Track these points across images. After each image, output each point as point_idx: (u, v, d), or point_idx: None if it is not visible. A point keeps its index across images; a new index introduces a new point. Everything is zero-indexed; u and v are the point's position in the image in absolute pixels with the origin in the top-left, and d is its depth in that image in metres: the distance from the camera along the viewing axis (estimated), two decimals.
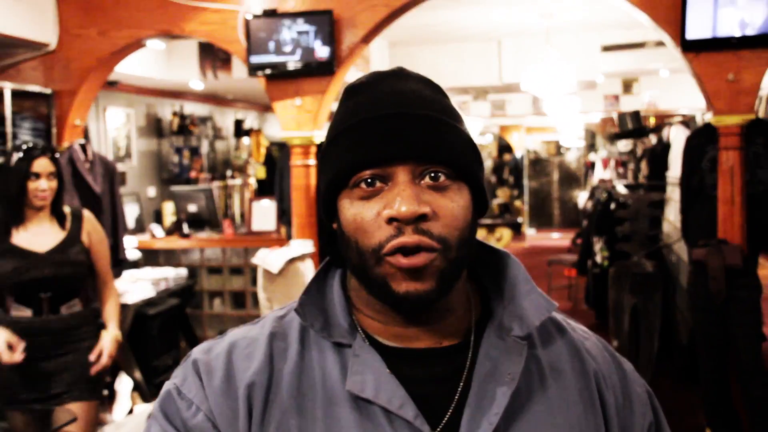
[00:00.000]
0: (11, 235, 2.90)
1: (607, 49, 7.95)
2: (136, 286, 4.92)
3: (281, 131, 4.64)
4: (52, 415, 2.94)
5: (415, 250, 0.82)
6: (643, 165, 6.65)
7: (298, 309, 0.91)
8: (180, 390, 0.90)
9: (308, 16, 4.40)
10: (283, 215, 5.38)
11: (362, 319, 0.92)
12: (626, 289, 5.08)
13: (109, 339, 3.03)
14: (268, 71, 4.48)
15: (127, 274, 5.06)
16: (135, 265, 5.61)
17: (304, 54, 4.42)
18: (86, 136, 5.14)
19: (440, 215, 0.84)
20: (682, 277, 5.17)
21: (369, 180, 0.84)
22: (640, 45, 7.75)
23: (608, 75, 8.86)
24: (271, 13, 4.45)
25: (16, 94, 4.55)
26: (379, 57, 7.70)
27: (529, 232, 14.71)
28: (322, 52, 4.39)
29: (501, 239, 8.66)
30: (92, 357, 2.96)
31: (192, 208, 6.42)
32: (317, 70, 4.44)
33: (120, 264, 4.82)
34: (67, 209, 3.06)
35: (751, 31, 3.87)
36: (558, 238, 14.25)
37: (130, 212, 6.78)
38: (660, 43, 6.72)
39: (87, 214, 3.12)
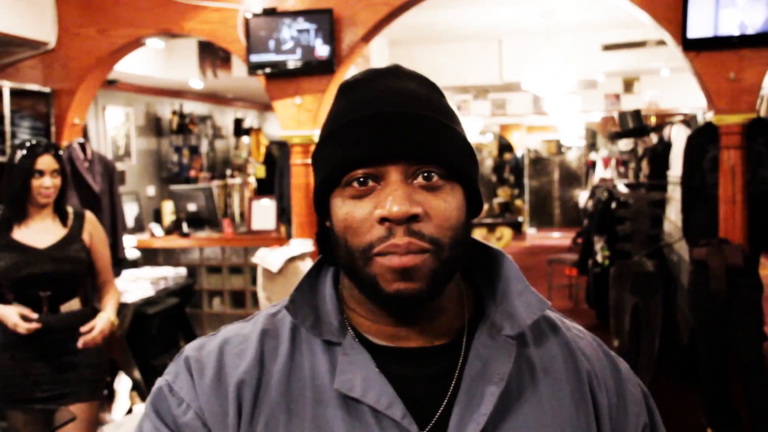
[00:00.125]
0: (12, 231, 2.91)
1: (607, 48, 7.93)
2: (135, 286, 4.91)
3: (281, 130, 4.63)
4: (52, 415, 2.94)
5: (405, 252, 0.81)
6: (644, 164, 6.64)
7: (289, 306, 0.91)
8: (171, 387, 0.89)
9: (308, 14, 4.39)
10: (283, 214, 5.37)
11: (354, 318, 0.91)
12: (627, 288, 5.07)
13: (103, 318, 3.00)
14: (267, 70, 4.47)
15: (127, 273, 5.05)
16: (134, 264, 5.60)
17: (304, 53, 4.40)
18: (85, 135, 5.13)
19: (432, 216, 0.83)
20: (683, 276, 5.16)
21: (361, 179, 0.83)
22: (640, 44, 7.73)
23: (609, 74, 8.85)
24: (271, 12, 4.44)
25: (15, 93, 4.54)
26: (379, 56, 7.68)
27: (530, 231, 14.70)
28: (322, 50, 4.38)
29: (501, 238, 8.65)
30: (84, 329, 2.93)
31: (191, 207, 6.41)
32: (317, 69, 4.43)
33: (119, 263, 4.81)
34: (70, 208, 3.06)
35: (752, 30, 3.86)
36: (558, 238, 14.23)
37: (130, 211, 6.76)
38: (661, 42, 6.71)
39: (89, 214, 3.12)
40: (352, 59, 4.57)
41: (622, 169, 8.48)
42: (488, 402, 0.85)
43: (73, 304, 3.00)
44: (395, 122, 0.83)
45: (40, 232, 2.94)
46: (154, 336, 5.31)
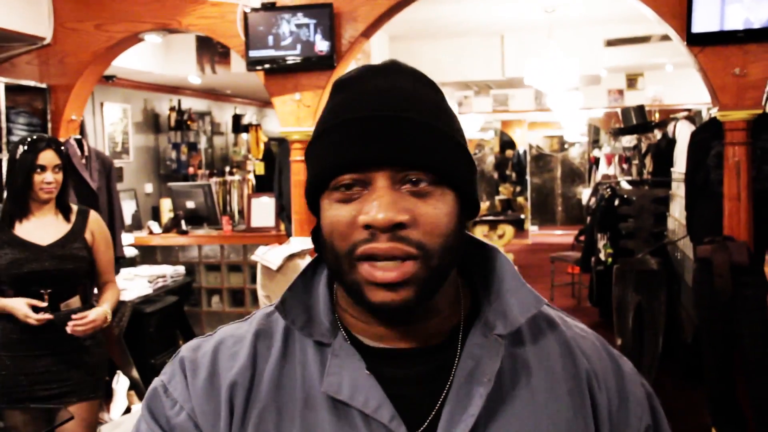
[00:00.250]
0: (14, 227, 2.90)
1: (610, 43, 7.89)
2: (133, 284, 4.88)
3: (280, 127, 4.58)
4: (51, 415, 2.93)
5: (387, 257, 0.80)
6: (648, 161, 6.60)
7: (279, 306, 0.90)
8: (166, 388, 0.90)
9: (308, 9, 4.34)
10: (282, 211, 5.33)
11: (346, 318, 0.90)
12: (630, 286, 5.03)
13: (98, 311, 2.95)
14: (267, 66, 4.42)
15: (124, 271, 5.01)
16: (132, 262, 5.57)
17: (303, 48, 4.35)
18: (82, 131, 5.09)
19: (420, 222, 0.81)
20: (687, 274, 5.13)
21: (348, 184, 0.82)
22: (644, 39, 7.69)
23: (612, 70, 8.81)
24: (270, 7, 4.39)
25: (11, 89, 4.50)
26: (379, 51, 7.64)
27: (532, 228, 14.66)
28: (321, 46, 4.33)
29: (503, 236, 8.62)
30: (76, 316, 2.88)
31: (190, 204, 6.37)
32: (317, 65, 4.38)
33: (117, 261, 4.76)
34: (74, 206, 3.06)
35: (757, 25, 3.81)
36: (561, 235, 14.20)
37: (127, 208, 6.72)
38: (665, 37, 6.66)
39: (94, 213, 3.11)
40: (352, 55, 4.52)
41: (625, 166, 8.44)
42: (476, 403, 0.83)
43: (73, 303, 2.99)
44: (382, 126, 0.81)
45: (42, 229, 2.93)
46: (153, 335, 5.27)
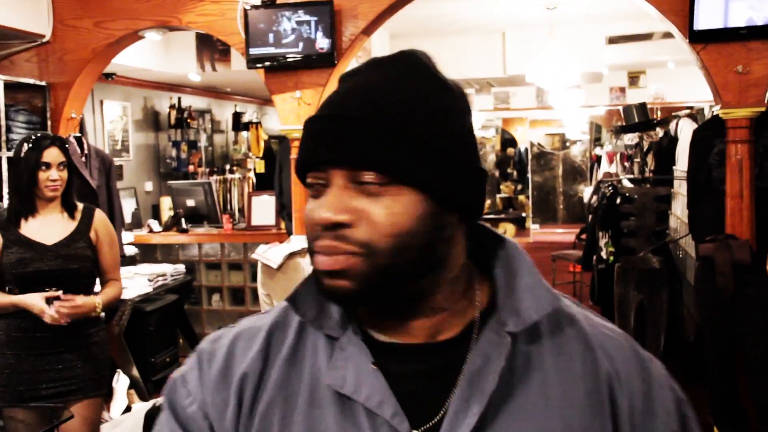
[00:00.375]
0: (20, 225, 2.91)
1: (612, 40, 7.87)
2: (133, 282, 4.87)
3: (281, 124, 4.57)
4: (52, 413, 2.93)
5: (327, 253, 0.82)
6: (650, 159, 6.58)
7: (290, 298, 0.91)
8: (184, 378, 0.93)
9: (308, 6, 4.32)
10: (283, 210, 5.31)
11: (359, 312, 0.91)
12: (632, 285, 5.02)
13: (87, 299, 2.92)
14: (267, 63, 4.41)
15: (124, 270, 4.98)
16: (132, 260, 5.55)
17: (304, 46, 4.34)
18: (82, 129, 5.07)
19: (367, 222, 0.81)
20: (689, 273, 5.11)
21: (310, 183, 0.85)
22: (646, 36, 7.67)
23: (614, 67, 8.80)
24: (270, 4, 4.37)
25: (10, 87, 4.48)
26: (380, 49, 7.62)
27: (533, 227, 14.64)
28: (322, 43, 4.31)
29: (504, 234, 8.62)
30: (63, 297, 2.85)
31: (190, 202, 6.35)
32: (317, 62, 4.36)
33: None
34: (80, 204, 3.06)
35: (761, 22, 3.79)
36: (562, 234, 14.17)
37: (127, 207, 6.71)
38: (667, 35, 6.64)
39: (99, 212, 3.11)
40: (352, 52, 4.50)
41: (627, 164, 8.42)
42: (480, 401, 0.82)
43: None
44: (334, 127, 0.82)
45: (47, 227, 2.94)
46: (153, 333, 5.27)
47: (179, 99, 8.29)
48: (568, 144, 15.90)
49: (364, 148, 0.80)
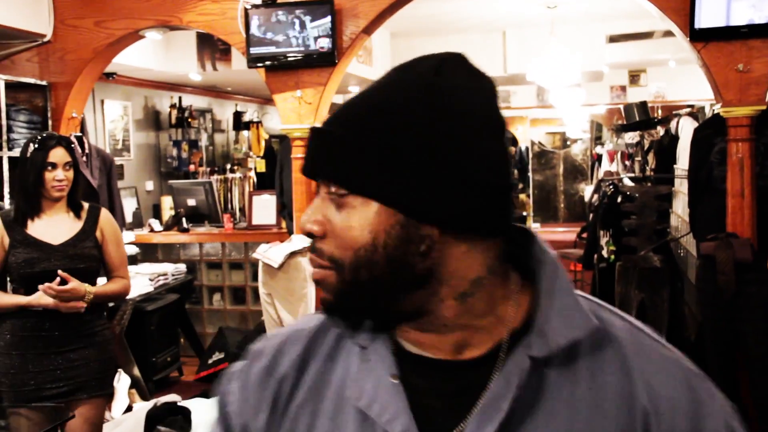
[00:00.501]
0: (27, 225, 2.91)
1: (613, 39, 7.86)
2: (134, 282, 4.84)
3: (281, 124, 4.57)
4: (58, 413, 2.93)
5: (312, 262, 0.83)
6: (651, 157, 6.57)
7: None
8: (232, 374, 0.95)
9: (309, 6, 4.32)
10: (284, 209, 5.31)
11: None
12: (633, 284, 5.01)
13: (81, 284, 2.87)
14: (267, 63, 4.40)
15: None
16: (133, 260, 5.55)
17: (304, 45, 4.34)
18: (83, 128, 5.07)
19: (332, 234, 0.81)
20: (691, 271, 5.10)
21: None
22: (647, 35, 7.66)
23: (614, 66, 8.79)
24: (271, 3, 4.37)
25: (11, 86, 4.49)
26: (380, 48, 7.61)
27: (534, 226, 14.63)
28: (322, 42, 4.31)
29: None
30: (67, 279, 2.84)
31: (191, 202, 6.35)
32: (318, 62, 4.36)
33: None
34: (85, 204, 3.06)
35: (762, 20, 3.79)
36: (563, 232, 14.16)
37: (128, 206, 6.71)
38: (668, 33, 6.63)
39: (105, 211, 3.12)
40: (353, 51, 4.50)
41: (627, 163, 8.41)
42: (490, 428, 0.78)
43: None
44: (311, 138, 0.83)
45: (54, 227, 2.94)
46: (154, 333, 5.27)
47: (180, 98, 8.29)
48: (568, 143, 15.89)
49: (325, 159, 0.81)
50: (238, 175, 7.89)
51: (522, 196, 14.79)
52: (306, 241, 4.49)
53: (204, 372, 5.53)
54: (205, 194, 6.38)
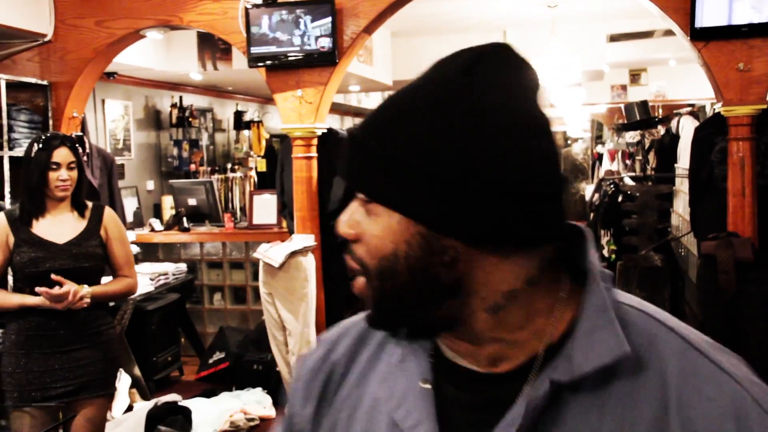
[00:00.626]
0: (32, 225, 2.91)
1: (613, 38, 7.85)
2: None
3: (282, 123, 4.56)
4: (62, 413, 2.93)
5: (350, 266, 0.81)
6: (651, 156, 6.57)
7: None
8: (304, 359, 0.95)
9: (309, 5, 4.32)
10: (284, 209, 5.31)
11: None
12: (634, 283, 5.01)
13: (78, 286, 2.86)
14: (268, 62, 4.40)
15: None
16: (134, 259, 5.55)
17: (305, 44, 4.33)
18: (84, 128, 5.07)
19: (362, 239, 0.79)
20: (691, 270, 5.10)
21: None
22: (647, 34, 7.65)
23: (615, 65, 8.78)
24: (271, 3, 4.37)
25: (12, 86, 4.48)
26: (381, 47, 7.61)
27: None
28: (323, 42, 4.31)
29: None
30: (61, 282, 2.83)
31: (191, 201, 6.35)
32: (318, 61, 4.36)
33: None
34: (89, 202, 3.06)
35: (763, 19, 3.78)
36: None
37: (129, 206, 6.70)
38: (668, 32, 6.62)
39: (109, 210, 3.13)
40: (354, 51, 4.50)
41: (628, 162, 8.41)
42: None
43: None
44: (347, 144, 0.81)
45: (58, 226, 2.94)
46: (154, 332, 5.26)
47: (181, 98, 8.28)
48: (569, 142, 15.87)
49: (349, 164, 0.79)
50: (238, 174, 7.88)
51: None
52: (307, 241, 4.49)
53: (205, 372, 5.52)
54: (206, 194, 6.37)
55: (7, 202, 4.21)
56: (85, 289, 2.89)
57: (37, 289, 2.80)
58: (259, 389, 5.04)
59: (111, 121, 7.18)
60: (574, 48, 7.09)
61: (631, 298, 0.82)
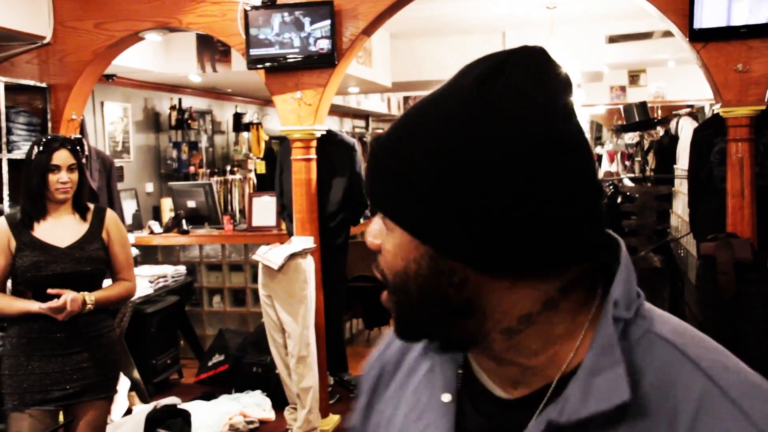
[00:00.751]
0: (33, 228, 2.91)
1: (612, 39, 7.86)
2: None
3: (281, 125, 4.56)
4: (64, 415, 2.95)
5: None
6: (651, 158, 6.57)
7: None
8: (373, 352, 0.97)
9: (308, 7, 4.32)
10: (284, 210, 5.31)
11: None
12: None
13: (76, 294, 2.86)
14: (267, 64, 4.40)
15: None
16: (133, 262, 5.54)
17: (304, 46, 4.33)
18: (83, 130, 5.06)
19: (382, 253, 0.77)
20: (691, 271, 5.10)
21: None
22: (646, 35, 7.65)
23: (614, 66, 8.78)
24: (270, 5, 4.36)
25: (10, 88, 4.47)
26: (380, 49, 7.61)
27: None
28: (322, 44, 4.31)
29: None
30: (56, 293, 2.83)
31: (191, 203, 6.35)
32: (317, 63, 4.35)
33: None
34: (90, 205, 3.07)
35: (761, 20, 3.78)
36: None
37: (128, 208, 6.70)
38: (667, 33, 6.63)
39: (110, 212, 3.13)
40: (353, 53, 4.50)
41: (627, 163, 8.41)
42: None
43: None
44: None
45: (60, 230, 2.94)
46: (153, 335, 5.26)
47: (180, 100, 8.28)
48: None
49: (367, 177, 0.78)
50: (238, 176, 7.88)
51: None
52: (306, 243, 4.49)
53: (204, 374, 5.52)
54: (205, 196, 6.37)
55: (6, 205, 4.20)
56: (88, 297, 2.90)
57: (40, 308, 2.80)
58: (258, 392, 5.04)
59: (110, 123, 7.18)
60: (573, 49, 7.10)
61: (667, 323, 0.75)
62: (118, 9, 4.63)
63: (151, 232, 6.13)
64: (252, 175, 8.00)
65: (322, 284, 4.54)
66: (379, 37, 7.38)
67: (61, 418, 3.00)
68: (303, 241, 4.39)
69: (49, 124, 4.68)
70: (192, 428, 4.26)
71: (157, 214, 7.26)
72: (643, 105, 6.57)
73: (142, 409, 4.27)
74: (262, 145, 9.07)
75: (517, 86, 0.70)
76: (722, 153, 4.00)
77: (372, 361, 0.94)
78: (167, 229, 6.18)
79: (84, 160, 4.58)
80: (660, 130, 6.71)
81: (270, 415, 4.85)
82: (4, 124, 4.35)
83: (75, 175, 2.94)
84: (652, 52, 8.05)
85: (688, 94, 9.37)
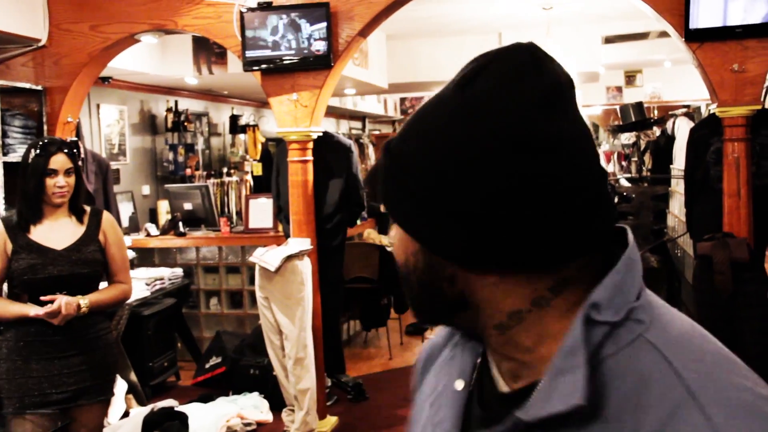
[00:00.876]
0: (30, 231, 2.91)
1: (608, 40, 7.87)
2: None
3: (277, 127, 4.56)
4: (61, 418, 2.94)
5: None
6: (647, 158, 6.58)
7: None
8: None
9: (304, 9, 4.32)
10: (280, 212, 5.31)
11: None
12: None
13: (70, 299, 2.85)
14: (263, 66, 4.40)
15: None
16: (130, 264, 5.53)
17: (300, 48, 4.33)
18: (78, 133, 5.06)
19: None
20: (688, 271, 5.10)
21: None
22: (642, 36, 7.66)
23: (610, 67, 8.79)
24: (266, 7, 4.36)
25: (5, 91, 4.47)
26: (376, 50, 7.61)
27: None
28: (318, 45, 4.31)
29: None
30: (47, 299, 2.84)
31: (187, 206, 6.34)
32: (314, 65, 4.35)
33: None
34: (87, 207, 3.07)
35: (757, 20, 3.79)
36: None
37: (124, 211, 6.69)
38: (663, 34, 6.64)
39: (107, 215, 3.13)
40: (349, 54, 4.50)
41: (624, 163, 8.42)
42: None
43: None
44: None
45: (56, 232, 2.94)
46: (150, 338, 5.25)
47: (176, 102, 8.27)
48: None
49: (379, 184, 0.81)
50: (234, 178, 7.87)
51: None
52: (303, 245, 4.48)
53: (201, 377, 5.51)
54: (202, 198, 6.36)
55: (2, 208, 4.19)
56: (83, 301, 2.89)
57: (35, 313, 2.80)
58: (255, 394, 5.03)
59: (106, 125, 7.16)
60: (570, 50, 7.10)
61: (669, 329, 0.72)
62: (114, 11, 4.63)
63: (148, 235, 6.13)
64: (249, 177, 8.00)
65: (319, 286, 4.53)
66: (376, 39, 7.38)
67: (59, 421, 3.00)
68: (300, 243, 4.39)
69: (45, 127, 4.67)
70: (189, 431, 4.26)
71: (153, 217, 7.25)
72: (639, 105, 6.58)
73: (139, 412, 4.27)
74: (259, 147, 9.05)
75: (495, 89, 0.70)
76: (718, 153, 4.01)
77: (425, 344, 0.96)
78: (164, 232, 6.17)
79: (80, 163, 4.58)
80: (656, 131, 6.72)
81: (267, 417, 4.85)
82: None
83: (72, 179, 2.94)
84: (648, 53, 8.06)
85: (684, 94, 9.39)
